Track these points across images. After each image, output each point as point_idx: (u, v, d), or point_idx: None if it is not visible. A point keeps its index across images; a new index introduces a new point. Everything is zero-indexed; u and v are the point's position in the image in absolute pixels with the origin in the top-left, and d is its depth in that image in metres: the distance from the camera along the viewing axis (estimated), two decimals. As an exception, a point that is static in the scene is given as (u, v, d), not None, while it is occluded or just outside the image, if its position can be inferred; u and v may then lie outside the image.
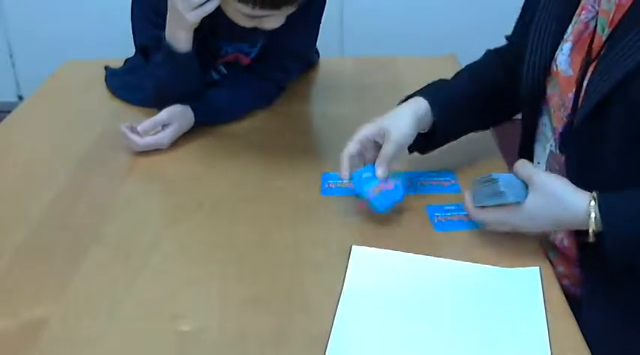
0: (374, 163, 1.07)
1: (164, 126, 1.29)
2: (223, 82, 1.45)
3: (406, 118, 1.08)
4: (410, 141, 1.09)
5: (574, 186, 0.93)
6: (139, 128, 1.27)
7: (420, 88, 1.16)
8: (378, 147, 1.08)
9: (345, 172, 1.06)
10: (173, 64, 1.30)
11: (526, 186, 0.95)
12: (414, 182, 1.17)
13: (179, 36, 1.27)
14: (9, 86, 3.09)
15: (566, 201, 0.92)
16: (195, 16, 1.22)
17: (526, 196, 0.94)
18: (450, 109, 1.12)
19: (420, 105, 1.11)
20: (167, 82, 1.32)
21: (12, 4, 2.92)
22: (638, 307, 0.97)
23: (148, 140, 1.28)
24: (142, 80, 1.39)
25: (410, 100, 1.13)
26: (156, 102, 1.36)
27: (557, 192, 0.93)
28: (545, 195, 0.93)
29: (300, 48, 1.51)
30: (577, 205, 0.91)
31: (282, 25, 1.27)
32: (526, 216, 0.94)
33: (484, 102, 1.18)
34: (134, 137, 1.27)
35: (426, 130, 1.13)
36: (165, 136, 1.29)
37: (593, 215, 0.89)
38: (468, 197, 1.02)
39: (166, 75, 1.32)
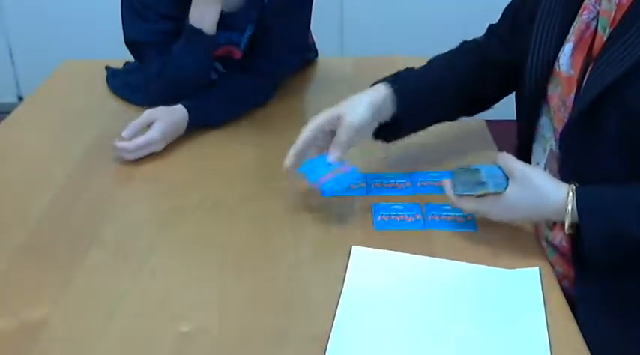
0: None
1: (149, 126, 1.26)
2: (217, 84, 1.42)
3: (362, 104, 1.06)
4: (366, 127, 1.07)
5: (555, 179, 0.95)
6: (124, 134, 1.23)
7: (387, 76, 1.14)
8: (333, 136, 1.06)
9: (288, 160, 1.05)
10: (199, 48, 1.31)
11: (507, 177, 0.96)
12: (413, 183, 1.17)
13: (207, 15, 1.29)
14: (9, 86, 3.08)
15: (546, 193, 0.94)
16: None
17: (507, 186, 0.95)
18: (415, 100, 1.11)
19: (380, 93, 1.09)
20: (190, 67, 1.33)
21: (12, 4, 2.92)
22: (635, 306, 0.97)
23: (138, 141, 1.23)
24: (142, 80, 1.39)
25: (368, 89, 1.11)
26: (164, 95, 1.33)
27: (538, 184, 0.94)
28: (526, 186, 0.95)
29: (292, 36, 1.47)
30: (556, 197, 0.93)
31: (272, 12, 1.26)
32: (506, 206, 0.96)
33: (456, 92, 1.17)
34: (122, 143, 1.23)
35: (387, 120, 1.11)
36: (155, 133, 1.25)
37: (569, 207, 0.92)
38: (448, 185, 1.03)
39: (191, 60, 1.32)
